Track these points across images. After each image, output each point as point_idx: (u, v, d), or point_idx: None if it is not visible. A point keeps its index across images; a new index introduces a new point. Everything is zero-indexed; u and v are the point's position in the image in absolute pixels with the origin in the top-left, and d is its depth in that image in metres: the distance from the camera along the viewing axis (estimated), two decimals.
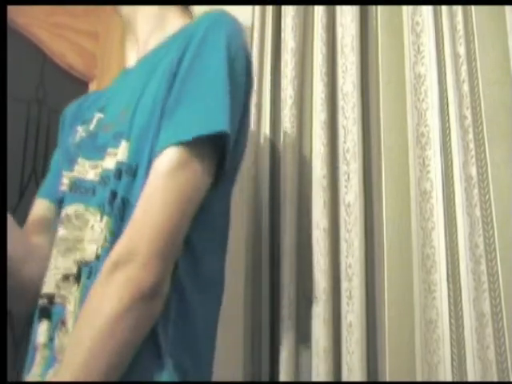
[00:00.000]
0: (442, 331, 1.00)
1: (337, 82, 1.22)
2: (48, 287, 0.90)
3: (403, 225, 1.07)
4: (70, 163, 0.97)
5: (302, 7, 1.32)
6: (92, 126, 0.97)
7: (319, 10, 1.26)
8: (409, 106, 1.12)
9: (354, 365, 1.05)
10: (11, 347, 1.44)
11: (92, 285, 0.78)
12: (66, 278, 0.87)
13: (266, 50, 1.34)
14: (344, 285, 1.10)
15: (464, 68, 1.01)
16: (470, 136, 0.98)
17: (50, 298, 0.88)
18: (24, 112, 1.47)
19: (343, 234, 1.13)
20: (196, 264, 0.86)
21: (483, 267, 0.93)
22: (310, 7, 1.33)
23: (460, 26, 1.02)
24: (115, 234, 0.81)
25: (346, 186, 1.14)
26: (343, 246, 1.12)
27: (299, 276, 1.18)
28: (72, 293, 0.85)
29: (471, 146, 0.98)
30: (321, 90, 1.21)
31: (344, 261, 1.11)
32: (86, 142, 0.96)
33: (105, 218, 0.83)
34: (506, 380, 0.87)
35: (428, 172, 1.06)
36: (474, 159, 0.97)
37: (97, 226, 0.85)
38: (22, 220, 1.04)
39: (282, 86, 1.27)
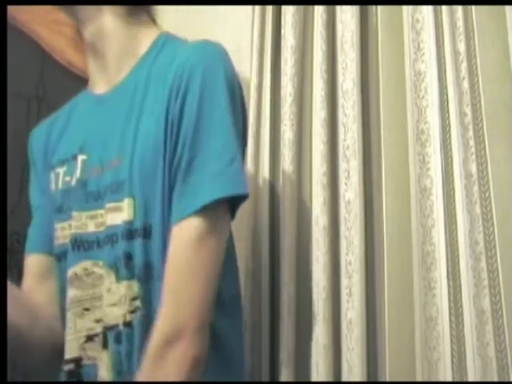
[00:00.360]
0: (442, 328, 1.00)
1: (337, 79, 1.21)
2: (71, 352, 0.87)
3: (403, 222, 1.08)
4: (60, 212, 0.93)
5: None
6: (78, 172, 0.92)
7: (319, 7, 1.26)
8: (409, 103, 1.12)
9: (354, 362, 1.05)
10: None
11: (124, 351, 0.81)
12: (89, 338, 0.86)
13: (265, 47, 1.33)
14: (344, 282, 1.10)
15: (464, 65, 1.01)
16: (470, 133, 0.98)
17: (77, 362, 0.87)
18: (24, 109, 1.46)
19: (343, 231, 1.12)
20: (221, 303, 0.85)
21: (483, 264, 0.93)
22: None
23: (460, 23, 1.02)
24: (143, 299, 0.82)
25: (345, 184, 1.13)
26: (343, 243, 1.12)
27: (299, 274, 1.18)
28: (102, 358, 0.84)
29: (471, 143, 0.98)
30: (321, 87, 1.21)
31: (344, 258, 1.11)
32: (76, 192, 0.91)
33: (124, 282, 0.83)
34: (506, 378, 0.87)
35: (428, 169, 1.06)
36: (474, 156, 0.97)
37: (114, 288, 0.83)
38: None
39: (282, 83, 1.27)
